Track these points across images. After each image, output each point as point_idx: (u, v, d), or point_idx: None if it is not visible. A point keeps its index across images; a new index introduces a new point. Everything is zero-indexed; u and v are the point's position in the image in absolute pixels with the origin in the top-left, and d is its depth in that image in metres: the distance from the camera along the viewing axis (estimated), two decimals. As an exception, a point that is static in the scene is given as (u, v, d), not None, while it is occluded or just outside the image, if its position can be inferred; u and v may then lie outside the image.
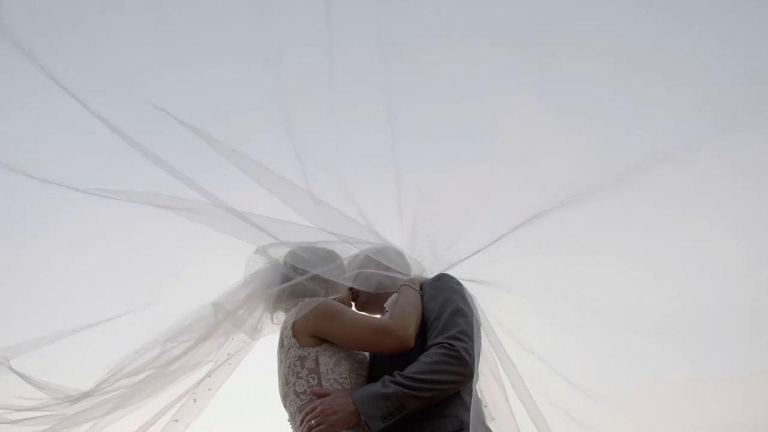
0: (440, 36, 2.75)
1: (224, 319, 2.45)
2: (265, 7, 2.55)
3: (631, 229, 2.71)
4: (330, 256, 2.47)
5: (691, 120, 2.74)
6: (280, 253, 2.46)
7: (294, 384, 2.24)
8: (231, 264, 2.51)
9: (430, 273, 2.52)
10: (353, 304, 2.54)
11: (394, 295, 2.40)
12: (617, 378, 2.66)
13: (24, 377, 2.49)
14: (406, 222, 2.56)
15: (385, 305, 2.43)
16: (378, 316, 2.50)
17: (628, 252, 2.70)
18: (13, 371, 2.48)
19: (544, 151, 2.74)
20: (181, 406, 2.59)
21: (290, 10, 2.65)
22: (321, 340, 2.26)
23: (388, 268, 2.47)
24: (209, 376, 2.60)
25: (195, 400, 2.59)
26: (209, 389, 2.61)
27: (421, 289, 2.40)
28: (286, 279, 2.40)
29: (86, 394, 2.50)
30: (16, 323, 2.71)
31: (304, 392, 2.22)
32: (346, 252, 2.52)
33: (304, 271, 2.38)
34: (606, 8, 2.77)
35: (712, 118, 2.72)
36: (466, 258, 2.50)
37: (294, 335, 2.26)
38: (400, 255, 2.56)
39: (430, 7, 2.73)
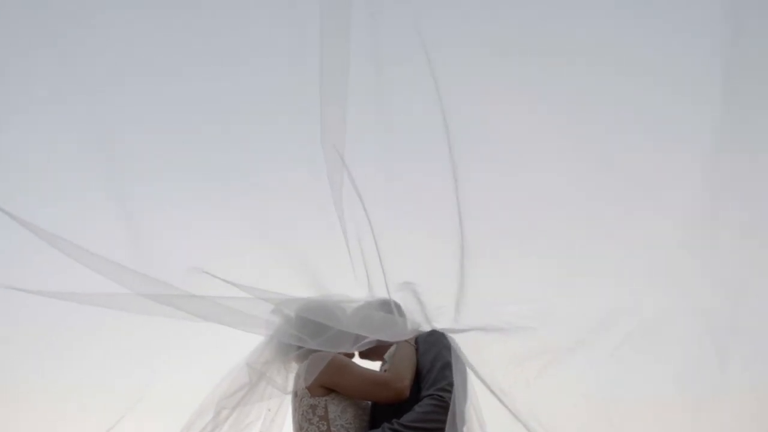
0: (437, 42, 2.74)
1: (259, 379, 2.80)
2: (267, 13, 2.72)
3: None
4: (332, 322, 2.68)
5: (688, 122, 2.77)
6: (293, 308, 2.75)
7: (306, 429, 2.56)
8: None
9: (425, 328, 2.78)
10: (356, 353, 2.81)
11: (393, 347, 2.70)
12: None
13: None
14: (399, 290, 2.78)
15: (384, 356, 2.74)
16: (379, 363, 2.80)
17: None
18: None
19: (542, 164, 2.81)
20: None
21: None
22: (329, 390, 2.59)
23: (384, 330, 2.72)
24: (262, 433, 2.93)
25: None
26: None
27: (416, 342, 2.69)
28: (299, 339, 2.71)
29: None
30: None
31: (315, 436, 2.54)
32: (351, 306, 2.80)
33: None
34: (604, 12, 2.80)
35: (709, 119, 2.71)
36: (459, 332, 2.73)
37: (306, 386, 2.60)
38: (394, 318, 2.78)
39: (427, 13, 2.76)
